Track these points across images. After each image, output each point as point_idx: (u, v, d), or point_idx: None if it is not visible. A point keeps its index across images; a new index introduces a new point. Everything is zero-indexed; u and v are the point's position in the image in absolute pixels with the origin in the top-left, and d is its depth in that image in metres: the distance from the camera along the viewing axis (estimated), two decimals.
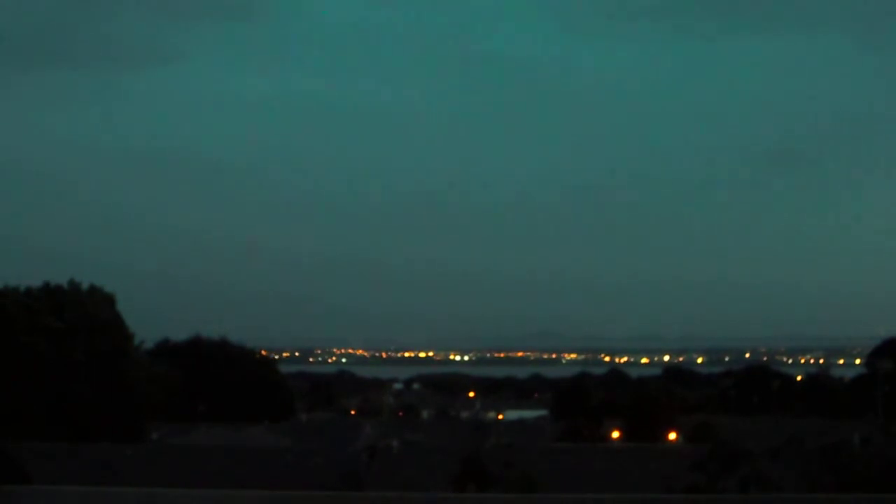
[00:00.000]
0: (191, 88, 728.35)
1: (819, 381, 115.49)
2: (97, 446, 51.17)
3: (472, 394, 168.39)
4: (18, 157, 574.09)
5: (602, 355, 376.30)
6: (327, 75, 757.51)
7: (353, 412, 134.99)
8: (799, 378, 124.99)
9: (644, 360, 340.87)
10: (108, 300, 68.49)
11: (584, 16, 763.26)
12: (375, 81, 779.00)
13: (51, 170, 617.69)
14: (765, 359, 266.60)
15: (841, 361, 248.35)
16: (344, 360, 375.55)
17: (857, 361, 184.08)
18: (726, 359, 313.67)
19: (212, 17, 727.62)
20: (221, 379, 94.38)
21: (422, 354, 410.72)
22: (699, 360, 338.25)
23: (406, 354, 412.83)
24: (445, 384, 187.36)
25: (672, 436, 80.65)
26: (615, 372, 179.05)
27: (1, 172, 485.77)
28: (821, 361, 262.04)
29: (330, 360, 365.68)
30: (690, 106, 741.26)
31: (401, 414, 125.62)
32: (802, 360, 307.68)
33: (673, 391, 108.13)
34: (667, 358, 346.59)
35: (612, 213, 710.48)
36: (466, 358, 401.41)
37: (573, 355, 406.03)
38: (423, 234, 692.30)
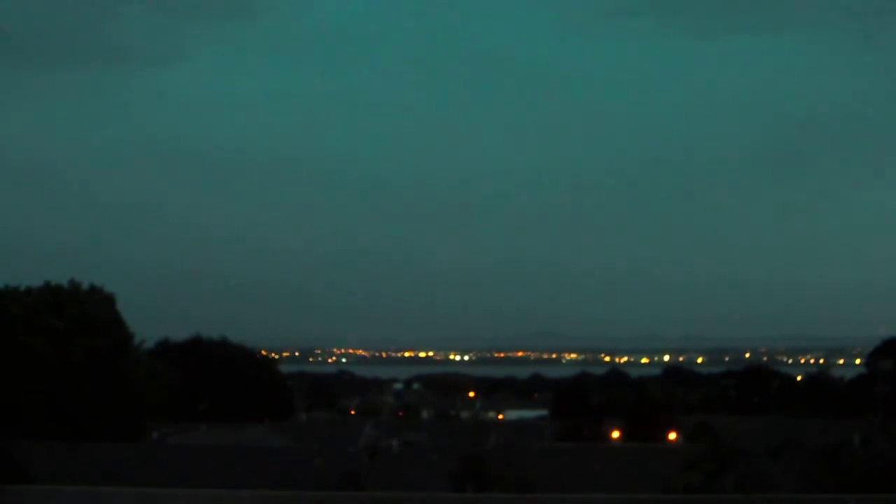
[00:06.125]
0: (192, 87, 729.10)
1: (819, 381, 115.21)
2: (97, 446, 51.12)
3: (472, 394, 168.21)
4: (20, 155, 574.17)
5: (602, 355, 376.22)
6: (328, 73, 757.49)
7: (353, 412, 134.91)
8: (799, 378, 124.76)
9: (644, 360, 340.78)
10: (108, 300, 68.37)
11: (583, 14, 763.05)
12: (376, 79, 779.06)
13: (52, 168, 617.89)
14: (765, 359, 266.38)
15: (841, 361, 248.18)
16: (344, 360, 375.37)
17: (857, 361, 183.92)
18: (726, 359, 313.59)
19: (214, 17, 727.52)
20: (221, 379, 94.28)
21: (422, 354, 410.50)
22: (699, 360, 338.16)
23: (406, 354, 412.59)
24: (445, 384, 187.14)
25: (672, 436, 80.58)
26: (615, 372, 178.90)
27: (3, 171, 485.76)
28: (821, 361, 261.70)
29: (330, 360, 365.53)
30: (690, 105, 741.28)
31: (401, 414, 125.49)
32: (802, 360, 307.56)
33: (673, 391, 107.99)
34: (667, 358, 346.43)
35: (612, 213, 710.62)
36: (466, 358, 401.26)
37: (573, 355, 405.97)
38: (423, 233, 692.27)
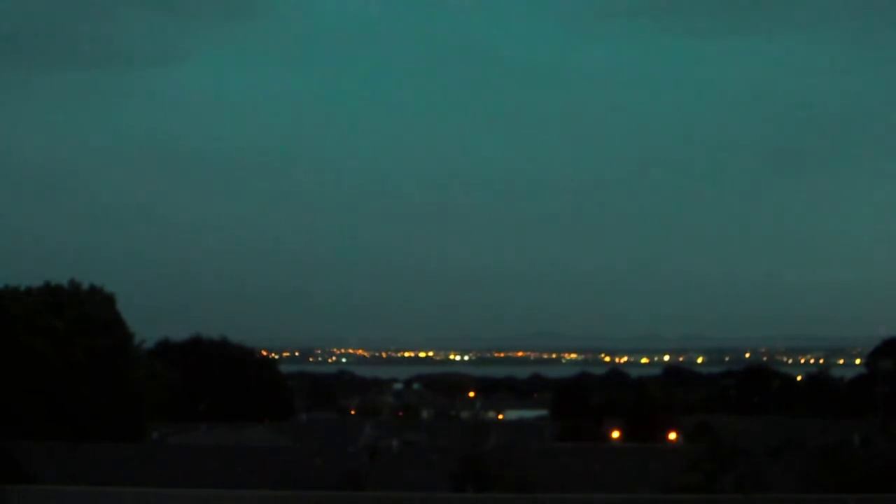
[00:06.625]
0: (192, 87, 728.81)
1: (819, 381, 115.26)
2: (97, 446, 51.12)
3: (472, 394, 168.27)
4: (20, 155, 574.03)
5: (602, 355, 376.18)
6: (328, 73, 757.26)
7: (353, 412, 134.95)
8: (799, 378, 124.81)
9: (644, 360, 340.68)
10: (108, 300, 68.39)
11: (584, 15, 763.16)
12: (376, 79, 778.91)
13: (52, 168, 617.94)
14: (765, 359, 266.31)
15: (841, 361, 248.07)
16: (344, 360, 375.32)
17: (857, 361, 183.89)
18: (726, 359, 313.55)
19: (214, 17, 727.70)
20: (221, 379, 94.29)
21: (422, 354, 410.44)
22: (699, 360, 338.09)
23: (406, 354, 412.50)
24: (445, 384, 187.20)
25: (672, 436, 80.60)
26: (615, 372, 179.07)
27: (5, 171, 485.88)
28: (821, 361, 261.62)
29: (330, 360, 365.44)
30: (690, 105, 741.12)
31: (401, 414, 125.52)
32: (802, 360, 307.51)
33: (673, 391, 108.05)
34: (667, 358, 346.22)
35: (612, 213, 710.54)
36: (466, 358, 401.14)
37: (573, 355, 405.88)
38: (423, 233, 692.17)
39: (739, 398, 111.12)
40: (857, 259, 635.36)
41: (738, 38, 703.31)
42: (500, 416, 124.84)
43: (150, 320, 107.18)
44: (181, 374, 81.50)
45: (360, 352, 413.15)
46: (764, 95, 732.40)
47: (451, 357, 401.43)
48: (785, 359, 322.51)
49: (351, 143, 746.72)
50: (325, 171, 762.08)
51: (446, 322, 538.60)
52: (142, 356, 71.25)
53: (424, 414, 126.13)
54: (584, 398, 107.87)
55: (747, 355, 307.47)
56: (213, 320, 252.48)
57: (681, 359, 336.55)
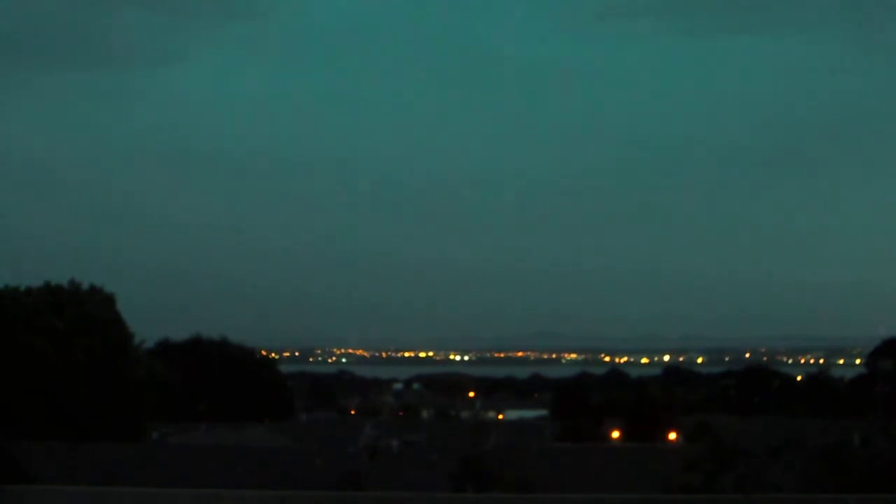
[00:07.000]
0: (192, 87, 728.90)
1: (819, 381, 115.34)
2: (97, 446, 51.12)
3: (472, 394, 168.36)
4: (20, 155, 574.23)
5: (602, 355, 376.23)
6: (327, 73, 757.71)
7: (353, 412, 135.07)
8: (799, 378, 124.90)
9: (644, 360, 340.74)
10: (108, 300, 68.45)
11: (583, 15, 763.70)
12: (375, 79, 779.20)
13: (52, 168, 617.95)
14: (765, 359, 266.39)
15: (841, 361, 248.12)
16: (344, 360, 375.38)
17: (857, 361, 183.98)
18: (726, 359, 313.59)
19: (214, 17, 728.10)
20: (221, 379, 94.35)
21: (422, 354, 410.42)
22: (699, 360, 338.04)
23: (406, 354, 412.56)
24: (445, 384, 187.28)
25: (672, 436, 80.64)
26: (615, 372, 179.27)
27: (5, 171, 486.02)
28: (821, 361, 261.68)
29: (330, 360, 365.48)
30: (689, 105, 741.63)
31: (401, 414, 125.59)
32: (802, 360, 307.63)
33: (673, 391, 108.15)
34: (667, 358, 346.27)
35: (612, 213, 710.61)
36: (466, 358, 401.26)
37: (573, 355, 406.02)
38: (423, 233, 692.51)
39: (739, 398, 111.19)
40: (857, 259, 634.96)
41: (738, 38, 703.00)
42: (500, 416, 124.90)
43: (150, 320, 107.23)
44: (181, 374, 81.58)
45: (360, 352, 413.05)
46: (764, 95, 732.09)
47: (451, 357, 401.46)
48: (785, 359, 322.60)
49: (352, 143, 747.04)
50: (326, 171, 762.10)
51: (446, 322, 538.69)
52: (142, 356, 71.29)
53: (424, 414, 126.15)
54: (584, 398, 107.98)
55: (747, 355, 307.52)
56: (213, 320, 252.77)
57: (681, 359, 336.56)
